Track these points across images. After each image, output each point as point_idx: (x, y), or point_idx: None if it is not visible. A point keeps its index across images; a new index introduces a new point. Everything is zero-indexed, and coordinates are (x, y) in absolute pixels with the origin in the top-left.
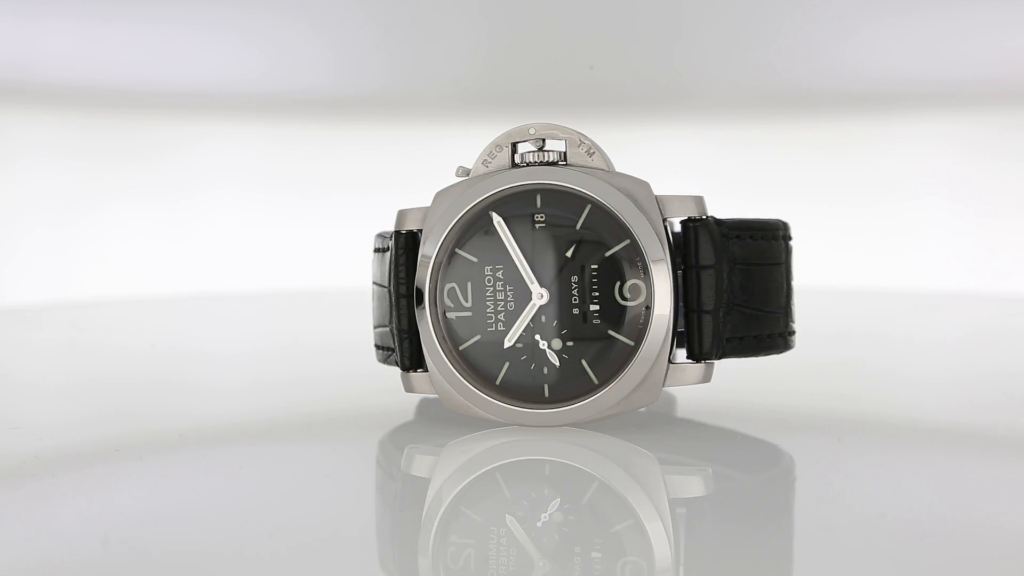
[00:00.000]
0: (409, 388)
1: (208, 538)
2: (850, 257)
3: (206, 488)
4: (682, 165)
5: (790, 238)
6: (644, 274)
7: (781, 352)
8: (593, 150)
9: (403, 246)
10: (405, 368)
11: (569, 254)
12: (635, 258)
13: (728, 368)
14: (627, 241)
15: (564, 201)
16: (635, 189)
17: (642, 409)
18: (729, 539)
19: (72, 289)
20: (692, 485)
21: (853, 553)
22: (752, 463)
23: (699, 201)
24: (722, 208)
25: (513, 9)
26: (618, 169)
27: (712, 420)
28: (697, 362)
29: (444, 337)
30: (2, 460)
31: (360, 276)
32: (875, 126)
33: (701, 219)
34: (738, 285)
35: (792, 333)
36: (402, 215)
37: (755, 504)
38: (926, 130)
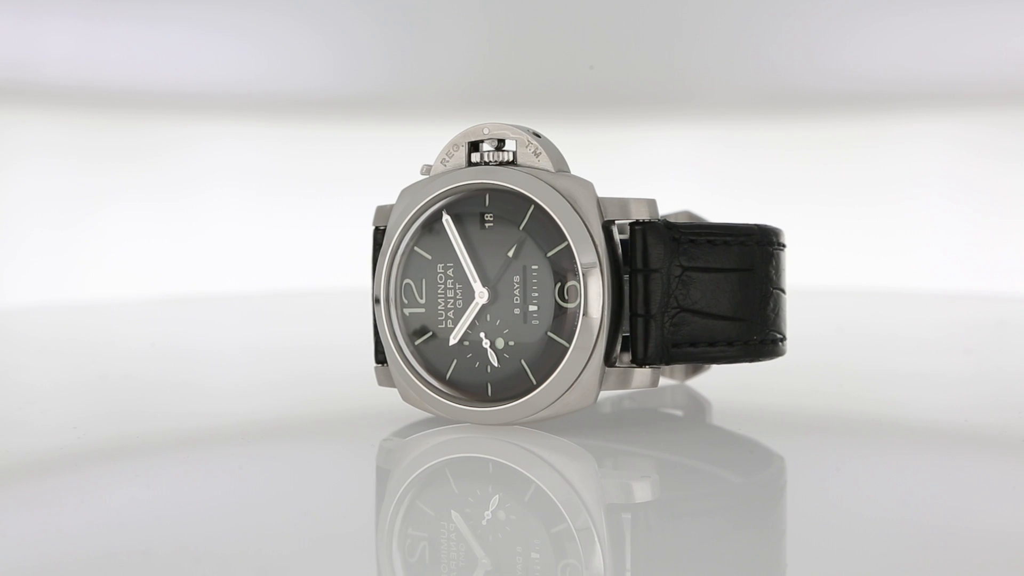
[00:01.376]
0: (380, 381)
1: (207, 538)
2: (850, 257)
3: (205, 488)
4: (682, 165)
5: (773, 244)
6: (580, 277)
7: (753, 361)
8: (540, 151)
9: (378, 242)
10: (378, 361)
11: (511, 254)
12: (573, 261)
13: (746, 371)
14: (564, 244)
15: (509, 202)
16: (576, 191)
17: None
18: (702, 542)
19: (72, 289)
20: (640, 490)
21: (844, 555)
22: (746, 465)
23: (650, 204)
24: (721, 208)
25: (513, 9)
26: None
27: (720, 422)
28: (641, 367)
29: (397, 332)
30: (2, 460)
31: (360, 276)
32: (875, 126)
33: (649, 222)
34: (691, 290)
35: (772, 341)
36: (378, 211)
37: (745, 506)
38: (926, 130)
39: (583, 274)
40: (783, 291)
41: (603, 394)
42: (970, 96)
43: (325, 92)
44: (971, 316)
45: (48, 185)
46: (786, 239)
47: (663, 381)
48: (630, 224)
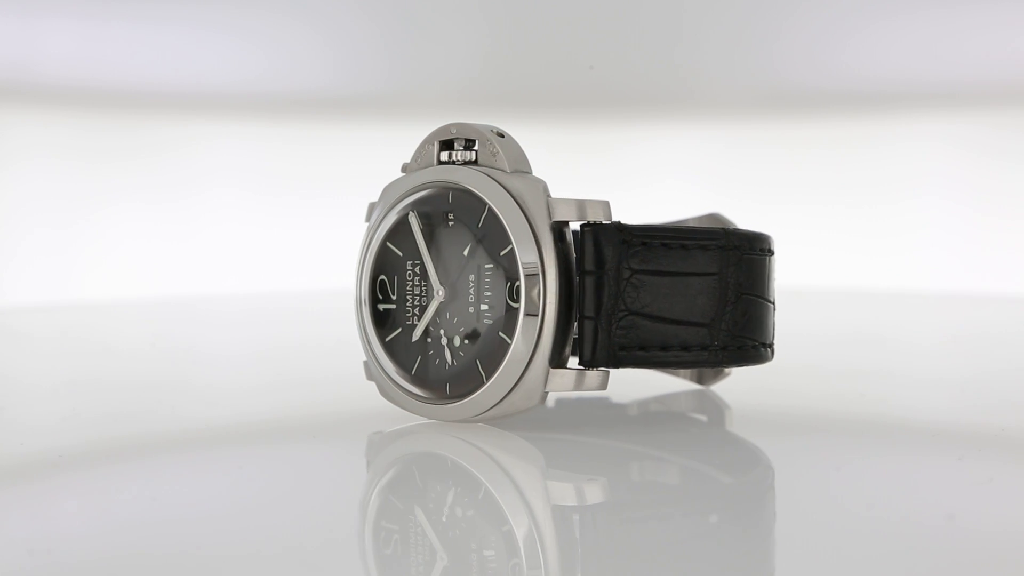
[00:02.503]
0: (367, 375)
1: (206, 539)
2: (850, 257)
3: (205, 488)
4: (682, 165)
5: (743, 249)
6: (521, 277)
7: (717, 367)
8: (497, 150)
9: None
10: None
11: (466, 253)
12: (518, 261)
13: (768, 375)
14: (511, 245)
15: (468, 202)
16: (526, 192)
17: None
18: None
19: (72, 289)
20: (591, 493)
21: (833, 557)
22: (740, 467)
23: (604, 206)
24: (721, 209)
25: (513, 9)
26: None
27: (736, 426)
28: (588, 369)
29: (369, 328)
30: (2, 460)
31: None
32: (875, 126)
33: (598, 224)
34: (641, 293)
35: (739, 347)
36: (369, 208)
37: (732, 505)
38: (926, 130)
39: (524, 274)
40: (761, 297)
41: (629, 397)
42: (970, 96)
43: (325, 92)
44: (971, 316)
45: (48, 185)
46: (772, 245)
47: (687, 385)
48: (580, 226)
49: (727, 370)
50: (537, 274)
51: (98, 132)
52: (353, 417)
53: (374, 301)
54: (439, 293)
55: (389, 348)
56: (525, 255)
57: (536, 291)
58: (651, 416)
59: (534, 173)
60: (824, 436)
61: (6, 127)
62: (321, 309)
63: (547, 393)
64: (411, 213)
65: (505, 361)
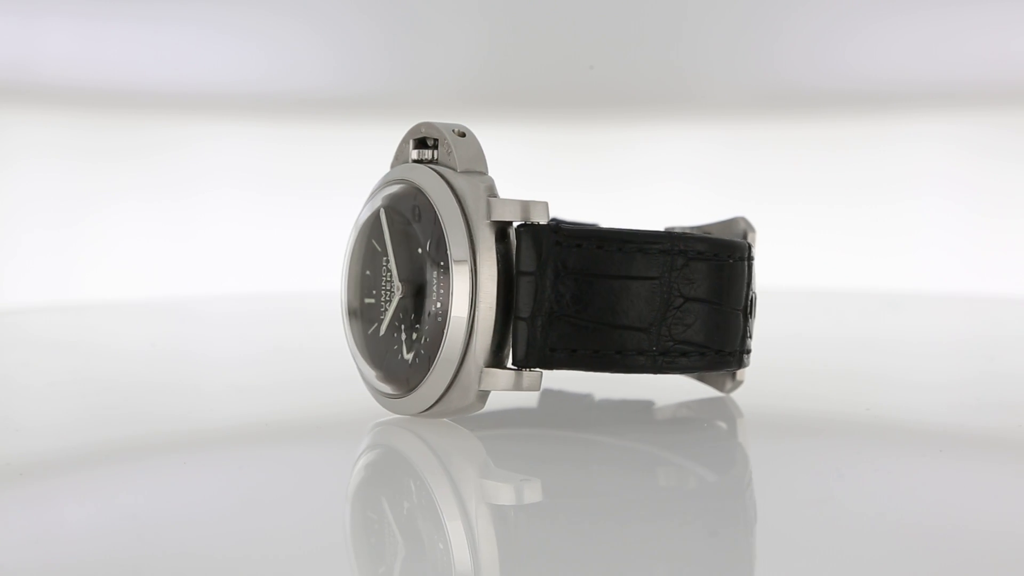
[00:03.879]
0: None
1: (207, 540)
2: (849, 257)
3: (205, 490)
4: (682, 165)
5: (689, 254)
6: (450, 275)
7: (659, 373)
8: (451, 149)
9: None
10: None
11: (420, 251)
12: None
13: (782, 379)
14: (448, 243)
15: (426, 201)
16: (467, 191)
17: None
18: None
19: (72, 289)
20: (530, 492)
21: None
22: (725, 465)
23: (542, 207)
24: (721, 209)
25: (513, 9)
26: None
27: (747, 430)
28: (521, 370)
29: (347, 324)
30: (2, 460)
31: None
32: (875, 126)
33: (534, 224)
34: (576, 295)
35: (683, 354)
36: None
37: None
38: (926, 130)
39: (453, 273)
40: (718, 303)
41: (660, 403)
42: (970, 96)
43: (325, 92)
44: (971, 317)
45: (48, 185)
46: (746, 252)
47: (709, 392)
48: (518, 226)
49: (739, 377)
50: (467, 272)
51: (98, 132)
52: (354, 417)
53: (361, 297)
54: (399, 290)
55: (366, 343)
56: (457, 253)
57: (463, 289)
58: (676, 421)
59: (489, 172)
60: (822, 440)
61: (6, 127)
62: (321, 310)
63: (484, 392)
64: (382, 209)
65: (439, 358)
